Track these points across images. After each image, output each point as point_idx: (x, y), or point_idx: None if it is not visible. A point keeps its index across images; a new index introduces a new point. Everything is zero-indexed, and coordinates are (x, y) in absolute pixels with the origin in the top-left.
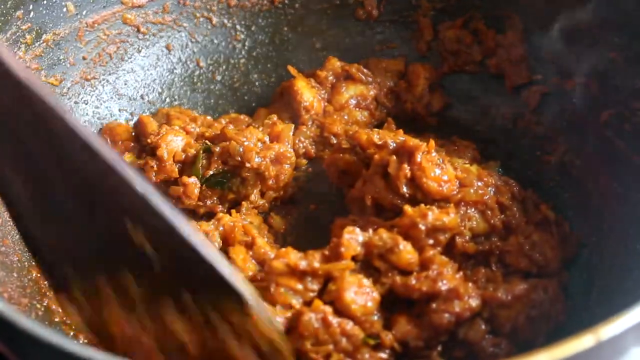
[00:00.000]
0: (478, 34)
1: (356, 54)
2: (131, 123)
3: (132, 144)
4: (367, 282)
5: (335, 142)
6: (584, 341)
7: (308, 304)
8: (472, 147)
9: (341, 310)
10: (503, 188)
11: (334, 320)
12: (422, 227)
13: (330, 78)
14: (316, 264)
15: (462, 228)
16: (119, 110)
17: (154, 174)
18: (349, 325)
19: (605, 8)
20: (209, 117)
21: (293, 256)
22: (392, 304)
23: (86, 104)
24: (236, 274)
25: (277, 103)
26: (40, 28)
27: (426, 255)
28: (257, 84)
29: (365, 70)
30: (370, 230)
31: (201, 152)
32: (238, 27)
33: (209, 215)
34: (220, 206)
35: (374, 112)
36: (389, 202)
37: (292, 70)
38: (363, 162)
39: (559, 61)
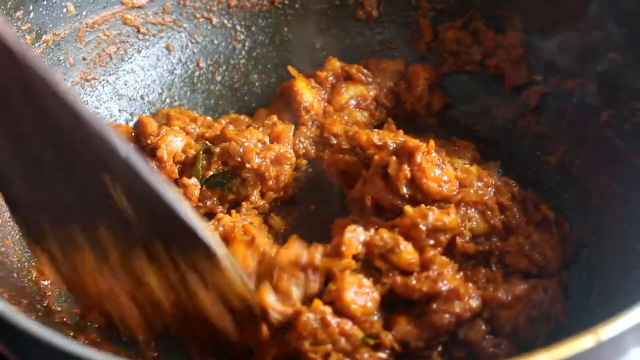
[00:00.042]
0: (478, 34)
1: (356, 54)
2: (131, 123)
3: (132, 145)
4: (367, 282)
5: (335, 142)
6: (584, 341)
7: (307, 301)
8: (472, 147)
9: (341, 310)
10: (503, 188)
11: (333, 320)
12: (423, 228)
13: (330, 78)
14: (318, 256)
15: (463, 228)
16: (119, 110)
17: None
18: (348, 325)
19: (606, 8)
20: (209, 118)
21: (298, 244)
22: (392, 304)
23: (86, 104)
24: (207, 229)
25: (277, 103)
26: (40, 28)
27: (427, 255)
28: (257, 84)
29: (365, 71)
30: (372, 230)
31: (201, 152)
32: (238, 27)
33: (209, 216)
34: (220, 207)
35: (374, 113)
36: (388, 202)
37: (292, 70)
38: (363, 162)
39: (559, 61)
